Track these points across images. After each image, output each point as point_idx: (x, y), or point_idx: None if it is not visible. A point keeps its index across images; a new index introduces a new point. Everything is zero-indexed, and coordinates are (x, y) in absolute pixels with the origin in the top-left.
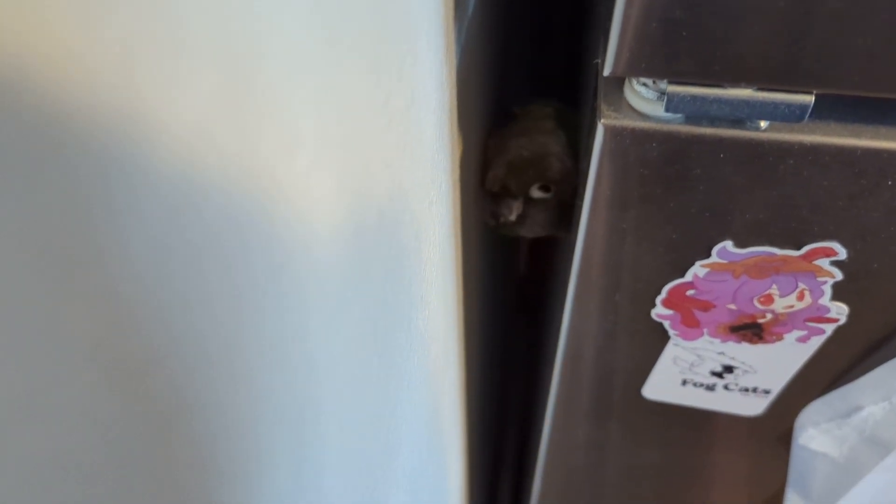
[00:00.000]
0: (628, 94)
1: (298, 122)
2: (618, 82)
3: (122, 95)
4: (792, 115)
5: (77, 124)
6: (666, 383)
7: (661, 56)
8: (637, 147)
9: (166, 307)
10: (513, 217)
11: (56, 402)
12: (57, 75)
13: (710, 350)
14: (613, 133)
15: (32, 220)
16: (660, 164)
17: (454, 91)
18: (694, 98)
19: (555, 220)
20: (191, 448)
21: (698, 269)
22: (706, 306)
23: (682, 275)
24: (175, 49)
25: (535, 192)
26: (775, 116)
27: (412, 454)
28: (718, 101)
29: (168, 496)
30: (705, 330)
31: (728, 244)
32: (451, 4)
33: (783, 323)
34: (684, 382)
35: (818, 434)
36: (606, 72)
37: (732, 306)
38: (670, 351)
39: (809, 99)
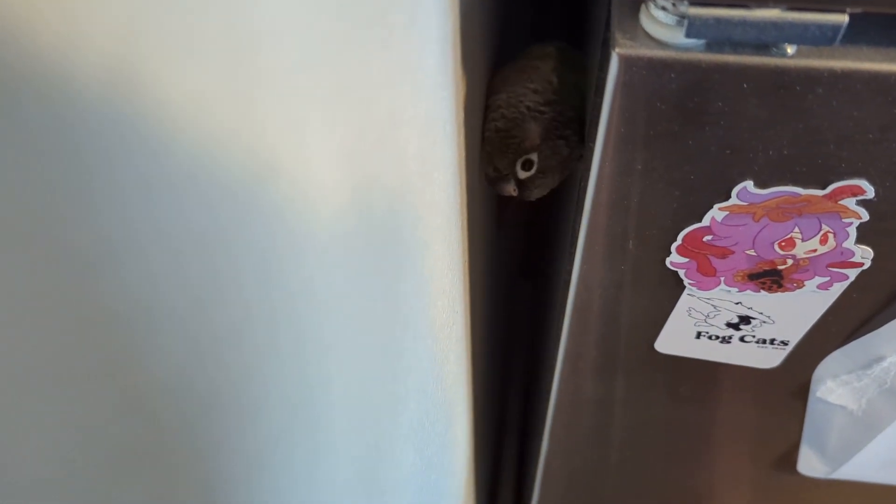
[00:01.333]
0: (644, 20)
1: (268, 26)
2: (633, 9)
3: (125, 70)
4: (823, 38)
5: (82, 105)
6: (680, 336)
7: None
8: (654, 78)
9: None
10: (515, 195)
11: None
12: (61, 46)
13: (726, 300)
14: (629, 63)
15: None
16: (678, 96)
17: (457, 23)
18: (718, 21)
19: (553, 184)
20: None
21: (716, 213)
22: (724, 253)
23: (699, 219)
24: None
25: (521, 173)
26: (805, 39)
27: (419, 407)
28: (744, 23)
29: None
30: (722, 278)
31: (749, 184)
32: None
33: (804, 269)
34: (699, 335)
35: (836, 387)
36: None
37: (751, 252)
38: (685, 301)
39: (843, 18)
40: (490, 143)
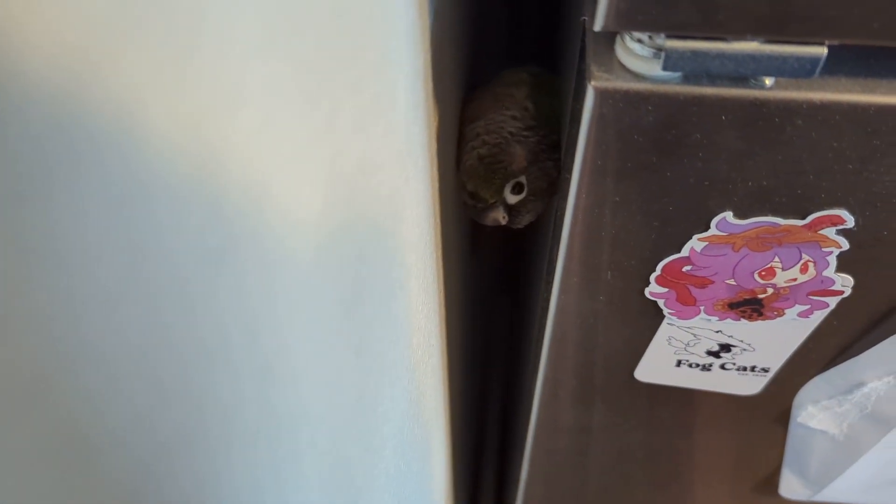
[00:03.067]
0: (620, 52)
1: (241, 71)
2: (608, 41)
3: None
4: (802, 70)
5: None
6: (660, 365)
7: (659, 5)
8: (631, 111)
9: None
10: (504, 223)
11: None
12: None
13: (706, 328)
14: (605, 96)
15: None
16: (656, 129)
17: (429, 55)
18: (695, 54)
19: (546, 200)
20: (150, 467)
21: (695, 244)
22: (703, 283)
23: (678, 250)
24: None
25: (511, 198)
26: (784, 72)
27: (395, 452)
28: (722, 56)
29: None
30: (702, 308)
31: (728, 215)
32: None
33: (785, 297)
34: (679, 363)
35: (818, 412)
36: (597, 27)
37: (731, 282)
38: (664, 330)
39: (822, 51)
40: (473, 173)
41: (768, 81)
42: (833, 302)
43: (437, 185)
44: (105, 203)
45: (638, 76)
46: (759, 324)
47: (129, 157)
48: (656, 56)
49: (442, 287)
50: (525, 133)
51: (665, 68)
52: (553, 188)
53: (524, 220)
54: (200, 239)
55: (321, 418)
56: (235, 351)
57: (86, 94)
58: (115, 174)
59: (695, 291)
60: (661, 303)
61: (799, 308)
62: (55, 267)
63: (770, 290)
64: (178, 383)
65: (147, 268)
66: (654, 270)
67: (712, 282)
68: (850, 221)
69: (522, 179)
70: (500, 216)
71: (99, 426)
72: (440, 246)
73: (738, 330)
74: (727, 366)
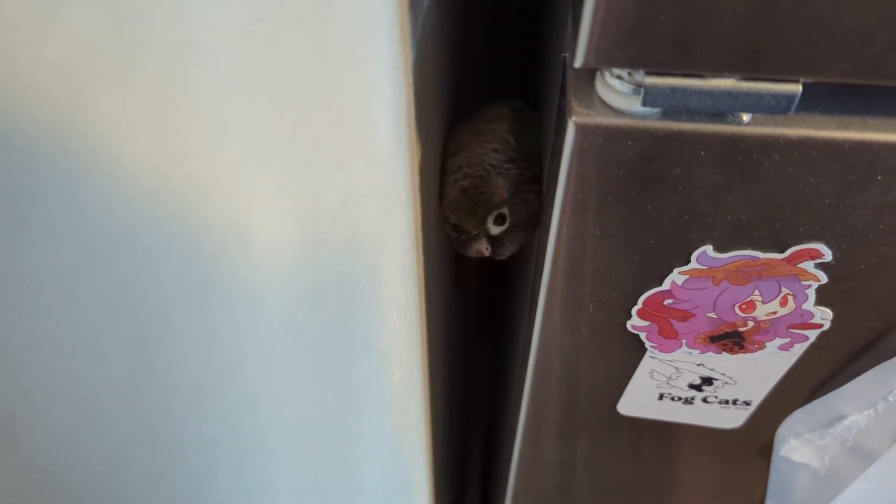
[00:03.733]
0: (600, 88)
1: (221, 108)
2: (588, 77)
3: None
4: (778, 107)
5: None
6: (642, 398)
7: (639, 42)
8: (611, 146)
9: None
10: (487, 255)
11: None
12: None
13: (688, 362)
14: (585, 131)
15: None
16: (636, 163)
17: (411, 91)
18: (673, 90)
19: (529, 231)
20: None
21: (676, 277)
22: (685, 316)
23: (660, 283)
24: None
25: (494, 229)
26: (760, 108)
27: (377, 488)
28: (700, 92)
29: None
30: (684, 341)
31: (708, 249)
32: None
33: (765, 331)
34: (661, 397)
35: (799, 445)
36: (577, 63)
37: (712, 315)
38: (647, 364)
39: (797, 88)
40: (456, 204)
41: (745, 117)
42: (813, 335)
43: (419, 218)
44: (85, 239)
45: (618, 112)
46: (741, 357)
47: (110, 193)
48: (636, 92)
49: (424, 321)
50: (506, 165)
51: (644, 104)
52: (535, 219)
53: (507, 251)
54: (182, 274)
55: (301, 454)
56: (216, 386)
57: (67, 131)
58: (95, 210)
59: (676, 325)
60: (643, 336)
61: (779, 341)
62: (26, 305)
63: (751, 324)
64: (158, 420)
65: (128, 304)
66: (635, 303)
67: (693, 315)
68: (827, 255)
69: (505, 211)
70: (483, 247)
71: (73, 465)
72: (422, 280)
73: (720, 363)
74: (709, 399)
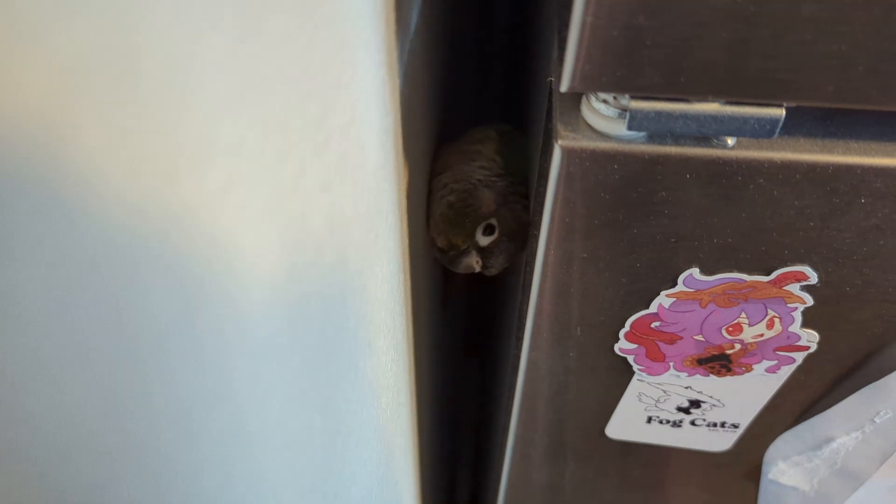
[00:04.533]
0: (586, 112)
1: (207, 131)
2: (574, 101)
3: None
4: (762, 131)
5: None
6: (631, 421)
7: (624, 68)
8: (597, 170)
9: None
10: (478, 269)
11: None
12: None
13: (676, 384)
14: (571, 155)
15: None
16: (622, 187)
17: (398, 114)
18: (658, 114)
19: (517, 252)
20: None
21: (663, 300)
22: (672, 338)
23: (647, 306)
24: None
25: (483, 240)
26: (744, 132)
27: None
28: (684, 116)
29: None
30: (671, 363)
31: (695, 271)
32: (392, 18)
33: (752, 353)
34: (650, 420)
35: (788, 468)
36: (563, 88)
37: (699, 337)
38: (634, 387)
39: (780, 112)
40: (444, 220)
41: (730, 141)
42: (800, 357)
43: (407, 241)
44: (73, 256)
45: (604, 135)
46: (728, 379)
47: (95, 217)
48: (621, 116)
49: (411, 345)
50: (493, 179)
51: (630, 128)
52: (524, 230)
53: (497, 263)
54: (167, 299)
55: (286, 482)
56: (196, 414)
57: (52, 157)
58: (80, 234)
59: (664, 347)
60: (630, 359)
61: (766, 363)
62: (12, 322)
63: (738, 346)
64: (136, 451)
65: (108, 332)
66: (623, 326)
67: (681, 338)
68: (813, 278)
69: (493, 221)
70: (473, 261)
71: (59, 489)
72: (410, 303)
73: (708, 386)
74: (697, 422)
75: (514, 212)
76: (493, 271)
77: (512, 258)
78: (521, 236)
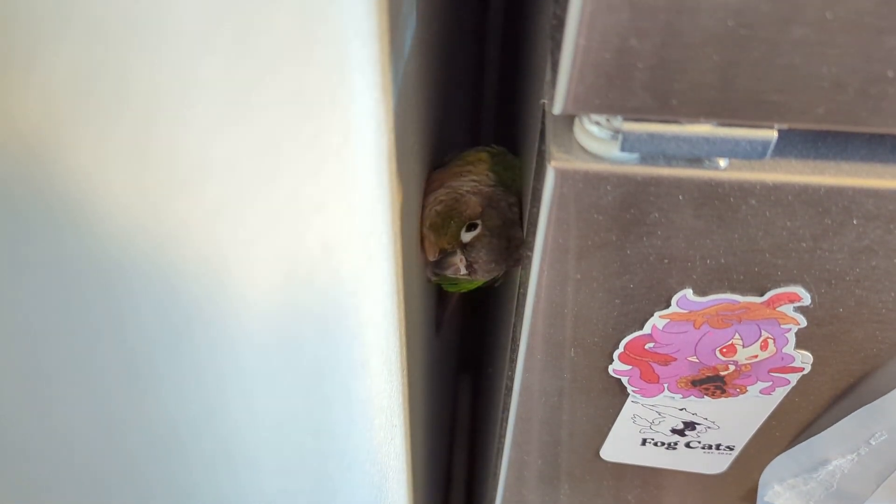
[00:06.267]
0: (579, 134)
1: (200, 151)
2: (566, 123)
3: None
4: (754, 152)
5: None
6: (625, 443)
7: (616, 90)
8: (590, 191)
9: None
10: (463, 270)
11: None
12: None
13: (670, 406)
14: (565, 176)
15: None
16: (615, 208)
17: (392, 136)
18: (651, 136)
19: (501, 250)
20: None
21: (657, 321)
22: (666, 360)
23: (641, 327)
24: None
25: (465, 236)
26: (736, 153)
27: None
28: (677, 138)
29: None
30: (665, 385)
31: (688, 292)
32: (386, 40)
33: (746, 374)
34: (644, 442)
35: (784, 490)
36: (556, 110)
37: (694, 359)
38: (629, 408)
39: (772, 134)
40: (432, 229)
41: (722, 163)
42: (794, 378)
43: (400, 262)
44: (65, 278)
45: (596, 157)
46: (723, 401)
47: (87, 238)
48: (614, 138)
49: (405, 366)
50: (482, 188)
51: (623, 150)
52: (509, 227)
53: (481, 260)
54: (159, 319)
55: (279, 503)
56: (187, 436)
57: (43, 176)
58: (72, 255)
59: (658, 369)
60: (625, 380)
61: (761, 385)
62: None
63: (732, 367)
64: (126, 472)
65: (98, 353)
66: (617, 348)
67: (675, 359)
68: (806, 299)
69: (477, 221)
70: (457, 260)
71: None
72: (403, 324)
73: (702, 407)
74: (692, 444)
75: (499, 210)
76: (479, 275)
77: (498, 259)
78: (505, 233)
